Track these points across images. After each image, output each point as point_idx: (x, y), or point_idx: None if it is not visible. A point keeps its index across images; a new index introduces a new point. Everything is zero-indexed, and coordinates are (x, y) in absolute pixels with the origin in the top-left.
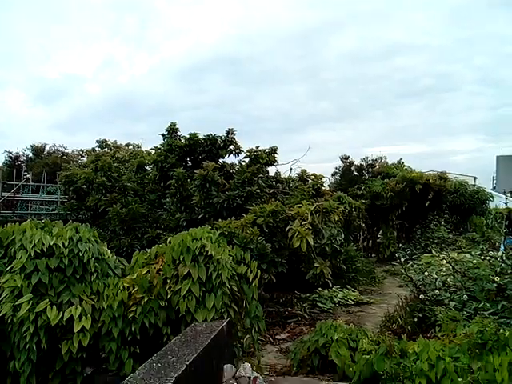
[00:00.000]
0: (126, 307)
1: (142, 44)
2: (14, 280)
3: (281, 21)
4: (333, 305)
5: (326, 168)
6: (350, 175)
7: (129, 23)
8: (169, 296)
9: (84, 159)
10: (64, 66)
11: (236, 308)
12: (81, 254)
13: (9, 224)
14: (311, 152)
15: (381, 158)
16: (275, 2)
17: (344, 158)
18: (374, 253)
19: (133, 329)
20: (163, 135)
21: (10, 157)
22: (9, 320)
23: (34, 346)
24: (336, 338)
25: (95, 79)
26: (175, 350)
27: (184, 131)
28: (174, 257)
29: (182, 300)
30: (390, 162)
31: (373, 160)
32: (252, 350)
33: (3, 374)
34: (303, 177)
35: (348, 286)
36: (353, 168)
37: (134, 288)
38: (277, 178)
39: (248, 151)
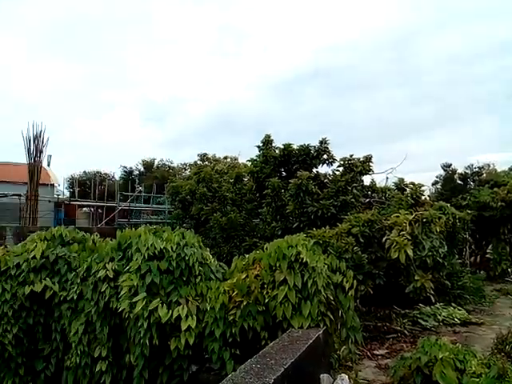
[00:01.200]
0: (227, 310)
1: (240, 61)
2: (131, 279)
3: (375, 27)
4: (436, 323)
5: (424, 178)
6: (453, 184)
7: (227, 41)
8: (266, 301)
9: (187, 172)
10: (170, 87)
11: (332, 317)
12: (187, 258)
13: (126, 229)
14: (408, 161)
15: (488, 166)
16: (369, 8)
17: (446, 166)
18: (482, 269)
19: (233, 331)
20: (259, 147)
21: (125, 171)
22: (126, 316)
23: (147, 342)
24: (440, 356)
25: (198, 98)
26: (273, 354)
27: (278, 143)
28: (271, 263)
29: (279, 306)
30: (499, 170)
31: (479, 167)
32: (349, 362)
33: (119, 366)
34: (400, 186)
35: (453, 304)
36: (456, 176)
37: (233, 292)
38: (372, 187)
39: (341, 160)
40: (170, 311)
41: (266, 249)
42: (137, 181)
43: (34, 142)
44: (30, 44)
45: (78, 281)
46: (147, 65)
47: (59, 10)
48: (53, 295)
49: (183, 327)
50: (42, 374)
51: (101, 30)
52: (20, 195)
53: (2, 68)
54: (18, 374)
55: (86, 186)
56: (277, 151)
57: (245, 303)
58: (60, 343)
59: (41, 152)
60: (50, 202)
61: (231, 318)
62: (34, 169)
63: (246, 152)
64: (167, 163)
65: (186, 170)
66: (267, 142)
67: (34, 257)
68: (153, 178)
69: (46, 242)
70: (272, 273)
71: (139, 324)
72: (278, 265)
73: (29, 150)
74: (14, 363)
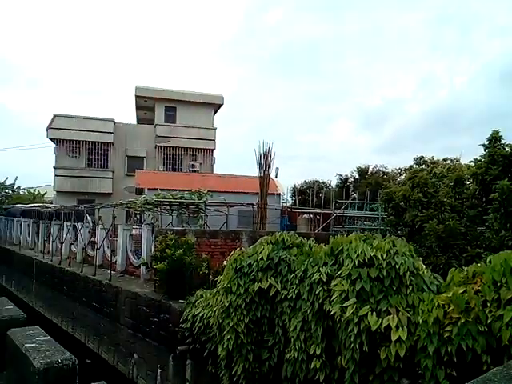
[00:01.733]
0: (441, 325)
1: (463, 52)
2: (342, 284)
3: None
4: None
5: None
6: None
7: (447, 35)
8: (489, 321)
9: (402, 177)
10: (384, 92)
11: None
12: (397, 267)
13: (338, 236)
14: None
15: None
16: None
17: None
18: None
19: (448, 349)
20: (484, 145)
21: (341, 179)
22: (337, 319)
23: (357, 347)
24: None
25: (414, 99)
26: (495, 382)
27: (510, 140)
28: (495, 278)
29: (505, 328)
30: None
31: None
32: None
33: (332, 366)
34: None
35: None
36: None
37: (449, 307)
38: None
39: None
40: (380, 320)
41: (490, 261)
42: (351, 188)
43: (263, 157)
44: (260, 68)
45: (297, 282)
46: (362, 74)
47: (285, 35)
48: (276, 293)
49: (393, 338)
50: (267, 362)
51: (315, 48)
52: (253, 204)
53: (242, 95)
54: (248, 360)
55: (306, 194)
56: (507, 149)
57: (463, 321)
58: (281, 337)
59: (269, 166)
60: (276, 209)
61: (446, 335)
62: (264, 181)
63: (469, 151)
64: (381, 169)
65: (400, 175)
66: (495, 139)
67: (261, 258)
68: (366, 185)
69: (271, 246)
70: (497, 290)
71: (349, 329)
72: (504, 281)
73: (260, 164)
74: (245, 349)
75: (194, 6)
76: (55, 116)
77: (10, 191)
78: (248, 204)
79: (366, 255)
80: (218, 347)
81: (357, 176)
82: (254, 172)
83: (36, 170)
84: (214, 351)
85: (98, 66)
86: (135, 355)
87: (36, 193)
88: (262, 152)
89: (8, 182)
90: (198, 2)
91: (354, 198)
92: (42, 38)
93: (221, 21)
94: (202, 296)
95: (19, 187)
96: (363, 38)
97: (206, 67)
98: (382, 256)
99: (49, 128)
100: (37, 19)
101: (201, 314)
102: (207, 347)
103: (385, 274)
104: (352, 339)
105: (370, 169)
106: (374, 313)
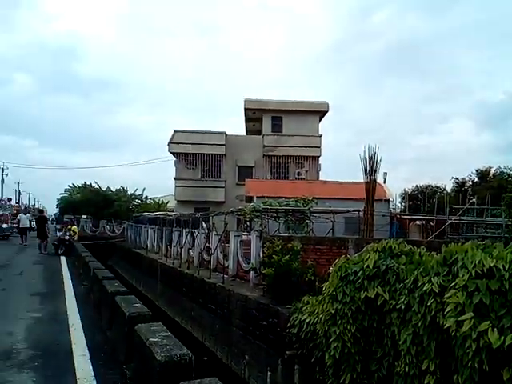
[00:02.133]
0: None
1: None
2: (457, 297)
3: None
4: None
5: None
6: None
7: None
8: None
9: None
10: (508, 85)
11: None
12: None
13: (452, 244)
14: None
15: None
16: None
17: None
18: None
19: None
20: None
21: (457, 183)
22: (452, 334)
23: (476, 365)
24: None
25: None
26: None
27: None
28: None
29: None
30: None
31: None
32: None
33: None
34: None
35: None
36: None
37: None
38: None
39: None
40: (502, 337)
41: None
42: (469, 192)
43: (369, 162)
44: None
45: (406, 292)
46: (480, 70)
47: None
48: (383, 302)
49: None
50: (376, 374)
51: (421, 47)
52: (359, 210)
53: (346, 99)
54: (356, 370)
55: (418, 199)
56: None
57: None
58: (391, 349)
59: (375, 171)
60: (384, 216)
61: None
62: (370, 186)
63: None
64: (505, 170)
65: None
66: None
67: (367, 266)
68: (488, 188)
69: (377, 254)
70: None
71: (467, 345)
72: None
73: (365, 169)
74: (353, 359)
75: (294, 17)
76: (175, 132)
77: (139, 201)
78: (354, 211)
79: (484, 266)
80: (325, 355)
81: (476, 179)
82: (360, 178)
83: (160, 181)
84: (321, 358)
85: (210, 86)
86: (246, 356)
87: (160, 202)
88: (367, 157)
89: (137, 193)
90: (299, 12)
91: (473, 203)
92: (165, 63)
93: (323, 28)
94: (308, 302)
95: (146, 197)
96: (478, 32)
97: (310, 74)
98: (503, 267)
99: (170, 143)
100: (157, 46)
101: (307, 321)
102: (314, 354)
103: (507, 286)
104: (470, 357)
105: (492, 171)
106: (496, 329)
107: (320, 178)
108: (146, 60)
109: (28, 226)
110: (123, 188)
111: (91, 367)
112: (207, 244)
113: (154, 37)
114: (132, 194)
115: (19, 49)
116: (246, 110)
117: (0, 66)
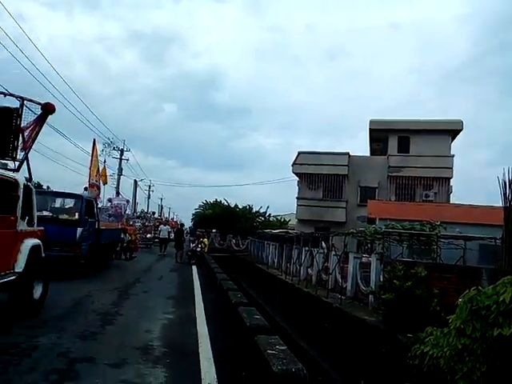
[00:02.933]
0: None
1: None
2: None
3: None
4: None
5: None
6: None
7: None
8: None
9: None
10: None
11: None
12: None
13: None
14: None
15: None
16: None
17: None
18: None
19: None
20: None
21: None
22: None
23: None
24: None
25: None
26: None
27: None
28: None
29: None
30: None
31: None
32: None
33: None
34: None
35: None
36: None
37: None
38: None
39: None
40: None
41: None
42: None
43: (508, 185)
44: None
45: None
46: None
47: None
48: None
49: None
50: None
51: None
52: (496, 238)
53: (482, 117)
54: None
55: None
56: None
57: None
58: None
59: None
60: None
61: None
62: (509, 212)
63: None
64: None
65: None
66: None
67: (503, 300)
68: None
69: None
70: None
71: None
72: None
73: (504, 194)
74: None
75: (425, 34)
76: (299, 153)
77: (263, 218)
78: (490, 238)
79: None
80: None
81: None
82: (499, 202)
83: (282, 200)
84: None
85: (335, 108)
86: (362, 382)
87: (282, 220)
88: (507, 179)
89: (261, 210)
90: (431, 29)
91: None
92: (293, 88)
93: (457, 42)
94: (431, 333)
95: (270, 215)
96: None
97: (439, 92)
98: None
99: (294, 164)
100: (287, 72)
101: (430, 353)
102: None
103: None
104: None
105: None
106: None
107: (451, 201)
108: (275, 85)
109: (167, 236)
110: (249, 205)
111: (215, 371)
112: (326, 264)
113: (285, 64)
114: (257, 212)
115: (168, 81)
116: (371, 130)
117: (153, 97)
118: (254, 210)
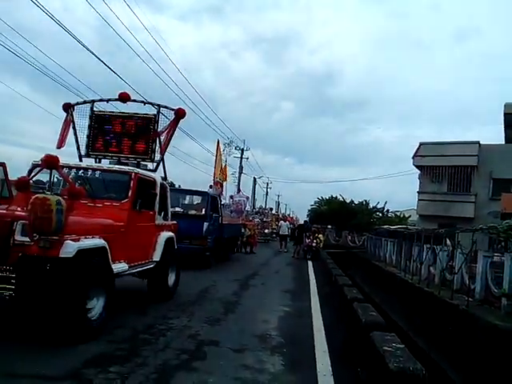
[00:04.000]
0: None
1: None
2: None
3: None
4: None
5: None
6: None
7: None
8: None
9: None
10: None
11: None
12: None
13: None
14: None
15: None
16: None
17: None
18: None
19: None
20: None
21: None
22: None
23: None
24: None
25: None
26: None
27: None
28: None
29: None
30: None
31: None
32: None
33: None
34: None
35: None
36: None
37: None
38: None
39: None
40: None
41: None
42: None
43: None
44: None
45: None
46: None
47: None
48: None
49: None
50: None
51: None
52: None
53: None
54: None
55: None
56: None
57: None
58: None
59: None
60: None
61: None
62: None
63: None
64: None
65: None
66: None
67: None
68: None
69: None
70: None
71: None
72: None
73: None
74: None
75: None
76: (421, 144)
77: (380, 214)
78: None
79: None
80: None
81: None
82: None
83: (401, 195)
84: None
85: (461, 95)
86: None
87: (401, 216)
88: None
89: (378, 206)
90: None
91: None
92: (415, 76)
93: None
94: None
95: (388, 211)
96: None
97: None
98: None
99: (414, 156)
100: (407, 60)
101: None
102: None
103: None
104: None
105: None
106: None
107: None
108: (395, 75)
109: (287, 233)
110: (365, 201)
111: (329, 363)
112: (450, 262)
113: (406, 50)
114: (373, 207)
115: (285, 80)
116: (506, 115)
117: (271, 97)
118: (370, 206)
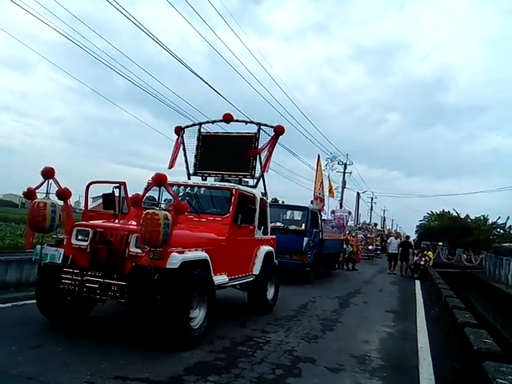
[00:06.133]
0: None
1: None
2: None
3: None
4: None
5: None
6: None
7: None
8: None
9: None
10: None
11: None
12: None
13: None
14: None
15: None
16: None
17: None
18: None
19: None
20: None
21: None
22: None
23: None
24: None
25: None
26: None
27: None
28: None
29: None
30: None
31: None
32: None
33: None
34: None
35: None
36: None
37: None
38: None
39: None
40: None
41: None
42: None
43: None
44: None
45: None
46: None
47: None
48: None
49: None
50: None
51: None
52: None
53: None
54: None
55: None
56: None
57: None
58: None
59: None
60: None
61: None
62: None
63: None
64: None
65: None
66: None
67: None
68: None
69: None
70: None
71: None
72: None
73: None
74: None
75: None
76: None
77: (502, 230)
78: None
79: None
80: None
81: None
82: None
83: None
84: None
85: None
86: None
87: None
88: None
89: (499, 222)
90: None
91: None
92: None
93: None
94: None
95: (510, 227)
96: None
97: None
98: None
99: None
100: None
101: None
102: None
103: None
104: None
105: None
106: None
107: None
108: None
109: (397, 251)
110: (483, 216)
111: None
112: None
113: None
114: (493, 223)
115: (391, 90)
116: None
117: (376, 109)
118: (489, 222)
